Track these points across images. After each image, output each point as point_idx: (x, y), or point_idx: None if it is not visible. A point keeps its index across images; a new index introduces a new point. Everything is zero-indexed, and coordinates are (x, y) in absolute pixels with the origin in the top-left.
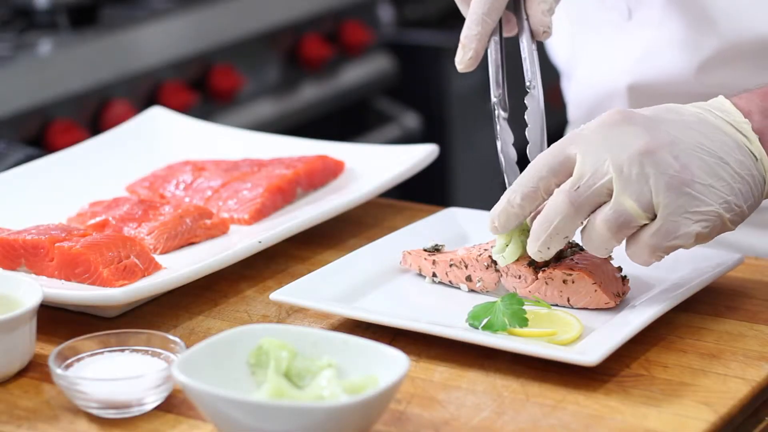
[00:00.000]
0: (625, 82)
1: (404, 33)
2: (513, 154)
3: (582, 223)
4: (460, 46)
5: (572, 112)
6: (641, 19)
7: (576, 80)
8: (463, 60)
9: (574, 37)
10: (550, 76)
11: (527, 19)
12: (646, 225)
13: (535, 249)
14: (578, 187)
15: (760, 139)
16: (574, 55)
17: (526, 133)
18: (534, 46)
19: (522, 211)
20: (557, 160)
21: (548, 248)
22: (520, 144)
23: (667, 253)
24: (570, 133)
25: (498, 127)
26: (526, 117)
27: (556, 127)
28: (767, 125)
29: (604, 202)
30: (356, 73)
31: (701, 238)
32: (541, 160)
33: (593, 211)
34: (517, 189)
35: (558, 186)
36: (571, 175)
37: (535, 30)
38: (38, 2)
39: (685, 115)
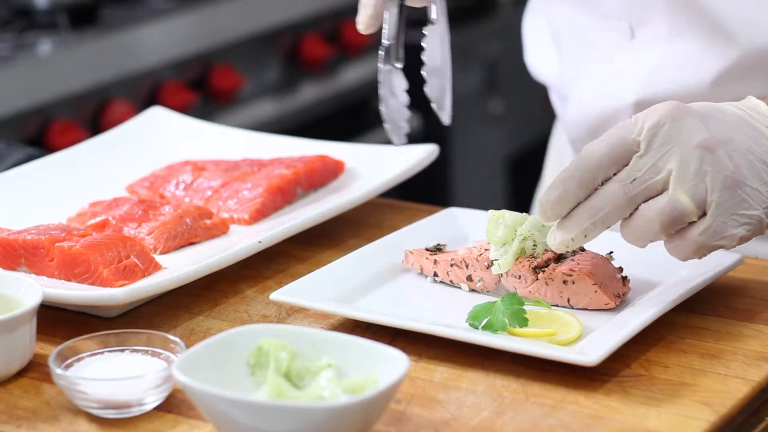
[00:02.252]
0: (633, 99)
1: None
2: (403, 100)
3: (629, 214)
4: (359, 4)
5: (572, 131)
6: (646, 37)
7: (575, 100)
8: (363, 20)
9: (564, 55)
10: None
11: None
12: (693, 222)
13: (570, 236)
14: (634, 179)
15: None
16: (564, 75)
17: (425, 71)
18: None
19: (576, 200)
20: (620, 150)
21: (585, 236)
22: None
23: (710, 252)
24: (628, 122)
25: (383, 75)
26: (423, 58)
27: (545, 132)
28: None
29: (655, 196)
30: (356, 73)
31: (742, 241)
32: (601, 148)
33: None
34: (573, 176)
35: (615, 174)
36: (627, 164)
37: None
38: (38, 2)
39: (728, 115)
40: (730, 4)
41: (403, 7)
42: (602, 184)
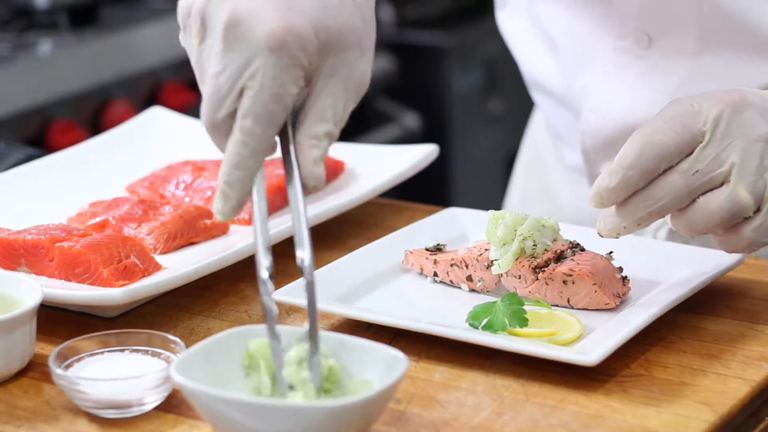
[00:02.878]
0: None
1: (404, 33)
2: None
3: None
4: (218, 192)
5: (587, 141)
6: (667, 47)
7: (591, 111)
8: (223, 210)
9: (564, 62)
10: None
11: (298, 168)
12: (747, 218)
13: (623, 223)
14: (696, 171)
15: None
16: (571, 86)
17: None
18: (304, 202)
19: (636, 188)
20: (686, 140)
21: (638, 225)
22: (512, 146)
23: (759, 249)
24: (690, 109)
25: (266, 308)
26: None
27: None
28: None
29: (714, 188)
30: None
31: None
32: (670, 138)
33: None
34: (637, 164)
35: (677, 163)
36: (690, 154)
37: (306, 183)
38: (38, 2)
39: None
40: None
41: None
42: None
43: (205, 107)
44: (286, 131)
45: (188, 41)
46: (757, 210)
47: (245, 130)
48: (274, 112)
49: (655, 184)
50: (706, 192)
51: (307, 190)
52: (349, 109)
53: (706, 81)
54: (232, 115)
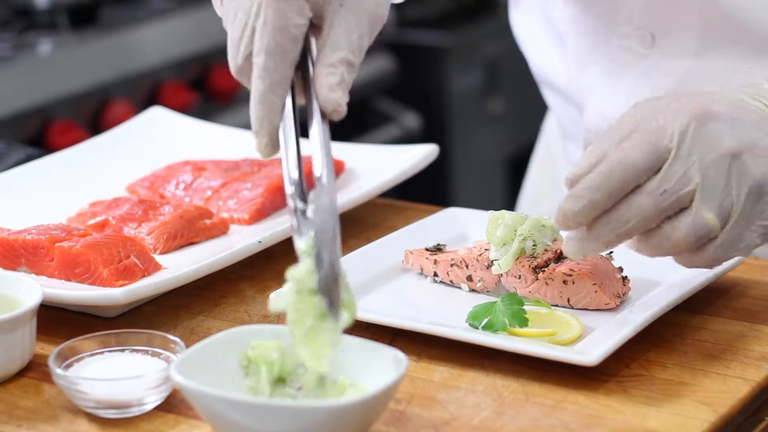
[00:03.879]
0: None
1: (404, 33)
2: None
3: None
4: (252, 131)
5: (589, 138)
6: (669, 47)
7: (594, 107)
8: (260, 148)
9: (570, 58)
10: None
11: (316, 96)
12: (713, 238)
13: (592, 247)
14: (665, 191)
15: None
16: (577, 82)
17: (314, 234)
18: (326, 128)
19: (603, 210)
20: (653, 158)
21: (606, 246)
22: (512, 146)
23: (721, 263)
24: (656, 126)
25: (296, 222)
26: (311, 215)
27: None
28: None
29: (684, 208)
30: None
31: (754, 248)
32: (637, 156)
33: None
34: (604, 186)
35: (645, 182)
36: (657, 171)
37: (324, 109)
38: (38, 2)
39: (750, 113)
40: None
41: (297, 119)
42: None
43: (228, 56)
44: (308, 70)
45: (218, 9)
46: (722, 227)
47: (260, 65)
48: (283, 44)
49: (622, 206)
50: (673, 214)
51: (328, 118)
52: (365, 40)
53: (706, 82)
54: (251, 56)
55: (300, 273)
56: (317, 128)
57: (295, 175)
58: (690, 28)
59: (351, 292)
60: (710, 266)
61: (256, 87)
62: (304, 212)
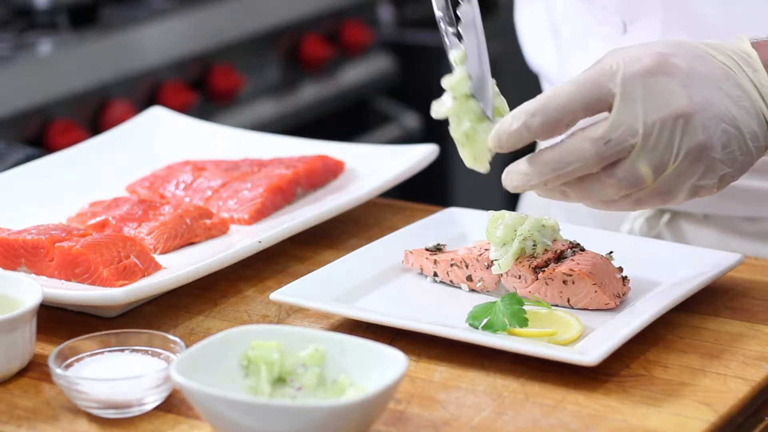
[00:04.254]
0: None
1: (404, 33)
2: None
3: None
4: None
5: None
6: (639, 34)
7: None
8: None
9: (562, 49)
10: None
11: None
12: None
13: (531, 182)
14: (609, 141)
15: None
16: (562, 70)
17: (464, 46)
18: None
19: (536, 138)
20: (592, 95)
21: (545, 185)
22: None
23: (643, 208)
24: (605, 66)
25: (448, 42)
26: (460, 29)
27: None
28: None
29: (623, 159)
30: (356, 73)
31: (676, 204)
32: (574, 91)
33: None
34: (538, 113)
35: (591, 128)
36: (599, 112)
37: None
38: (38, 2)
39: (716, 69)
40: (726, 9)
41: None
42: (567, 127)
43: None
44: None
45: None
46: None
47: None
48: None
49: (565, 148)
50: (611, 162)
51: None
52: None
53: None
54: None
55: (454, 80)
56: None
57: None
58: (654, 15)
59: (502, 97)
60: (632, 208)
61: None
62: (454, 33)
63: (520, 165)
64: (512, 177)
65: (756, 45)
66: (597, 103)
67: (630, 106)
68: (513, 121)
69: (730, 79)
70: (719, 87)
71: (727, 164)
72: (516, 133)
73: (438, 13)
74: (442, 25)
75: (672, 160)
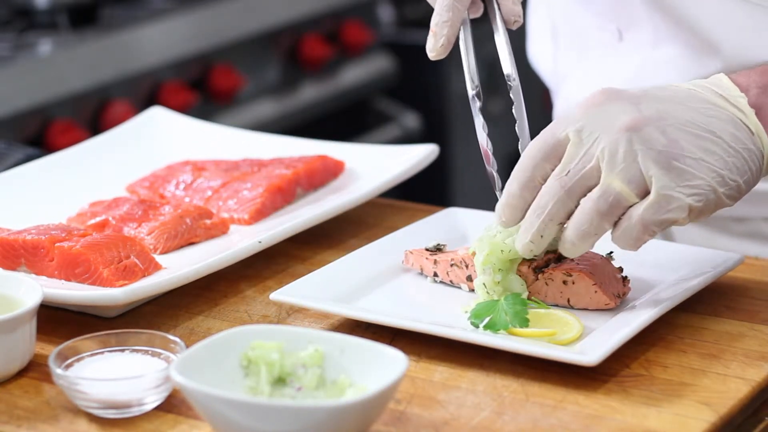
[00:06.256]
0: None
1: (404, 33)
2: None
3: (575, 207)
4: (431, 33)
5: None
6: (634, 41)
7: (562, 96)
8: (435, 47)
9: (558, 53)
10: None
11: (498, 8)
12: (635, 204)
13: (527, 239)
14: (568, 172)
15: (756, 114)
16: (557, 71)
17: (516, 128)
18: (507, 35)
19: (523, 201)
20: (549, 145)
21: (541, 236)
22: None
23: (661, 229)
24: (558, 118)
25: (480, 121)
26: (514, 112)
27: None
28: (765, 101)
29: (595, 185)
30: (356, 73)
31: (695, 213)
32: (534, 146)
33: (584, 196)
34: (513, 179)
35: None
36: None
37: (507, 19)
38: (38, 2)
39: (678, 92)
40: (714, 18)
41: (471, 32)
42: (544, 180)
43: None
44: None
45: None
46: (643, 196)
47: None
48: None
49: (539, 194)
50: (586, 193)
51: (508, 26)
52: None
53: (659, 73)
54: None
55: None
56: (502, 35)
57: (476, 78)
58: (643, 22)
59: None
60: (647, 234)
61: None
62: (481, 108)
63: (517, 236)
64: (516, 241)
65: (727, 72)
66: (555, 150)
67: (581, 137)
68: (502, 196)
69: (694, 96)
70: (680, 103)
71: (717, 165)
72: (507, 205)
73: (471, 90)
74: (474, 101)
75: (642, 168)
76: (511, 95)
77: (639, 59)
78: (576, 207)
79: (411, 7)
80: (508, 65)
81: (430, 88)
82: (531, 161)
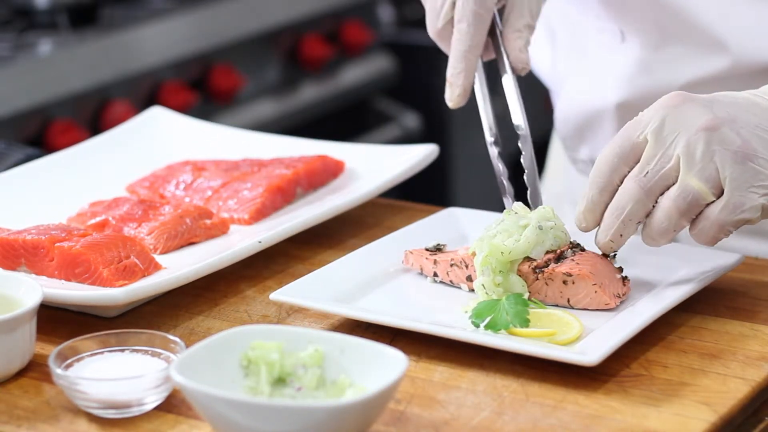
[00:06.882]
0: (615, 100)
1: (404, 33)
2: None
3: (653, 206)
4: (447, 84)
5: (560, 127)
6: (637, 42)
7: (563, 97)
8: (452, 97)
9: (556, 55)
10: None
11: (507, 56)
12: (712, 203)
13: (607, 238)
14: (647, 173)
15: None
16: (556, 72)
17: (525, 178)
18: (515, 82)
19: (602, 204)
20: (625, 149)
21: (621, 236)
22: (512, 146)
23: (736, 228)
24: (634, 120)
25: (500, 166)
26: (522, 161)
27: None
28: None
29: (672, 184)
30: (356, 73)
31: (767, 212)
32: (610, 151)
33: (662, 194)
34: (592, 185)
35: (629, 173)
36: (639, 161)
37: (515, 67)
38: (38, 2)
39: (739, 99)
40: (722, 17)
41: (485, 78)
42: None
43: (428, 21)
44: (495, 31)
45: None
46: (721, 194)
47: (462, 30)
48: (481, 14)
49: (617, 195)
50: (664, 191)
51: (516, 73)
52: (541, 5)
53: (661, 71)
54: (450, 22)
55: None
56: (511, 82)
57: (494, 126)
58: (649, 23)
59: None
60: (724, 233)
61: (457, 48)
62: (500, 154)
63: (597, 235)
64: (597, 241)
65: None
66: (634, 152)
67: (658, 138)
68: (581, 202)
69: (756, 104)
70: (745, 109)
71: None
72: (588, 210)
73: (489, 137)
74: (492, 149)
75: (719, 168)
76: (519, 144)
77: (642, 59)
78: (653, 205)
79: (411, 7)
80: (518, 115)
81: (430, 88)
82: (608, 166)
